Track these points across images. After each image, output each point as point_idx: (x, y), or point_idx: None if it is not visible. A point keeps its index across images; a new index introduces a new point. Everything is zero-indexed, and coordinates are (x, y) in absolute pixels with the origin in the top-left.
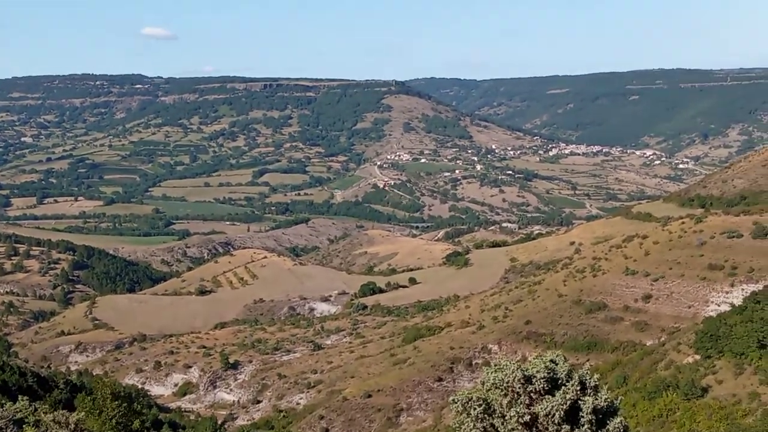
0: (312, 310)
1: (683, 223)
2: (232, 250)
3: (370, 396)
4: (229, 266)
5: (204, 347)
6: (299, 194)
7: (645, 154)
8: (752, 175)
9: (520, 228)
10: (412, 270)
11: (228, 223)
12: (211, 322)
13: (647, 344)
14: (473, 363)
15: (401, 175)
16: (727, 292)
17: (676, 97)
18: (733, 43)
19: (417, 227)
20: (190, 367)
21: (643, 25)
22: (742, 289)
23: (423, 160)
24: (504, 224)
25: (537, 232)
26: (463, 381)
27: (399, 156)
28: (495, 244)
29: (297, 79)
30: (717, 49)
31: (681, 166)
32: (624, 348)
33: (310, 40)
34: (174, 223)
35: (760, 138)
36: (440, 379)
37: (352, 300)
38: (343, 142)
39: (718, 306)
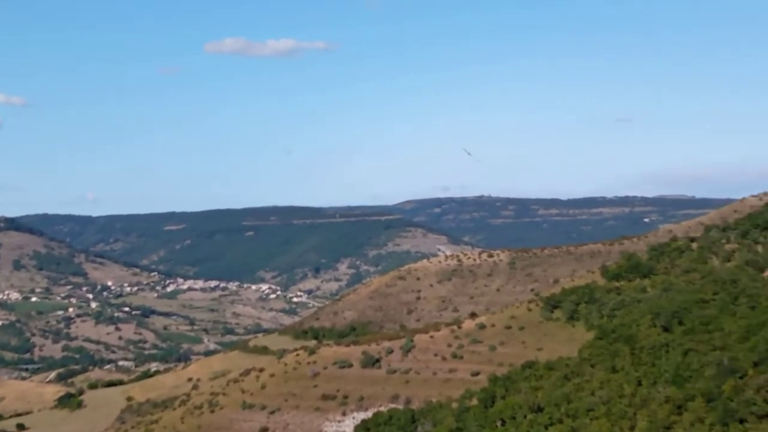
0: None
1: (298, 355)
2: None
3: None
4: None
5: None
6: None
7: (261, 288)
8: (360, 306)
9: (137, 366)
10: (20, 415)
11: None
12: None
13: None
14: None
15: (10, 315)
16: (339, 421)
17: (289, 233)
18: (339, 182)
19: (27, 369)
20: None
21: (257, 163)
22: (353, 418)
23: (34, 299)
24: (120, 362)
25: (154, 369)
26: None
27: (8, 295)
28: (110, 384)
29: None
30: (325, 187)
31: (295, 299)
32: None
33: None
34: None
35: (366, 271)
36: None
37: None
38: None
39: None
